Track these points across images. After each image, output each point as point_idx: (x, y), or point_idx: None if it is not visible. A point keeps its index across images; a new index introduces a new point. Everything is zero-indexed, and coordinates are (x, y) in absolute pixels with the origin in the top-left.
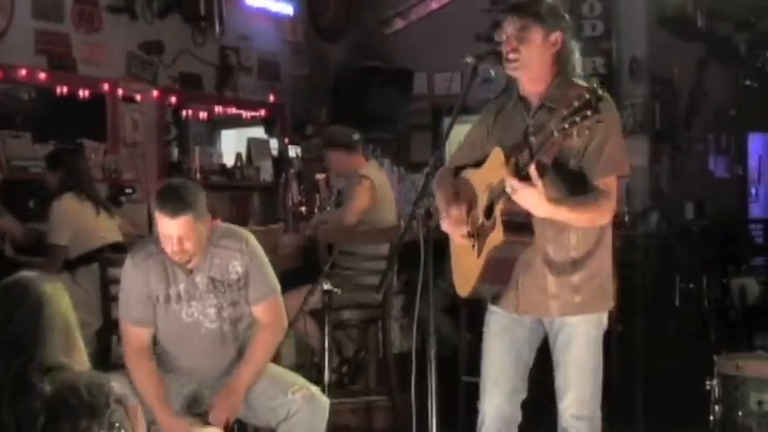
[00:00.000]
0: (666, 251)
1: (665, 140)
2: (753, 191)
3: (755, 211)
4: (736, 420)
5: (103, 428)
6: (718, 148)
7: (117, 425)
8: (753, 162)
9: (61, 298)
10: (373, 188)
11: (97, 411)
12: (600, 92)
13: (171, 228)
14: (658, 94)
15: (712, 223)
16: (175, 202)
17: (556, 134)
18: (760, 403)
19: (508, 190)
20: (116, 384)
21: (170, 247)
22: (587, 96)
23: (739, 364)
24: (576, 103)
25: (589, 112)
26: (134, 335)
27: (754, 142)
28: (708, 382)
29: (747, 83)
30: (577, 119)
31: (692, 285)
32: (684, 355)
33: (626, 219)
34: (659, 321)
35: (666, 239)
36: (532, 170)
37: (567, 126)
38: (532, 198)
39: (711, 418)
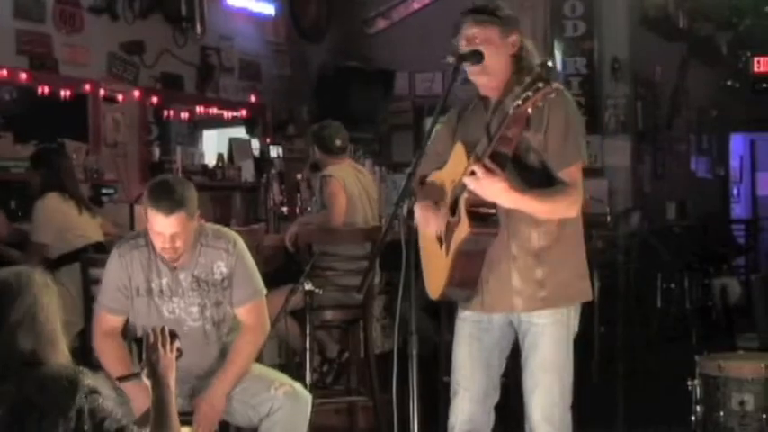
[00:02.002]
0: (648, 251)
1: (647, 140)
2: (734, 191)
3: (737, 211)
4: (717, 420)
5: (71, 422)
6: (700, 148)
7: (86, 412)
8: (734, 162)
9: (38, 291)
10: (343, 185)
11: (63, 406)
12: (550, 64)
13: (164, 225)
14: (640, 94)
15: (694, 224)
16: (170, 199)
17: (511, 112)
18: (741, 403)
19: (466, 181)
20: (89, 379)
21: (161, 244)
22: (537, 70)
23: (721, 364)
24: (528, 79)
25: (541, 84)
26: (106, 321)
27: (736, 142)
28: (689, 383)
29: (729, 83)
30: (530, 93)
31: (673, 285)
32: (666, 356)
33: (608, 219)
34: (641, 322)
35: (648, 240)
36: (487, 161)
37: (520, 102)
38: (496, 187)
39: (693, 418)
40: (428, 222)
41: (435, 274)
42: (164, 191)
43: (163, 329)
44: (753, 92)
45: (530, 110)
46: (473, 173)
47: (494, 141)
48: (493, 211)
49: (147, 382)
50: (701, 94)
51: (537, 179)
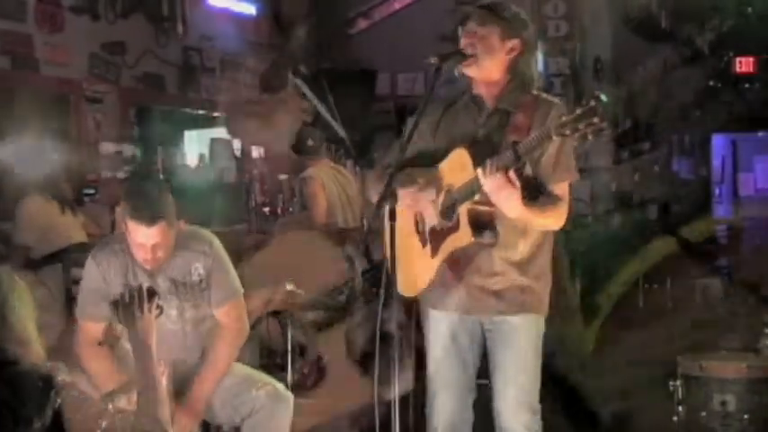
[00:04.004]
0: (630, 252)
1: (630, 141)
2: (717, 192)
3: (719, 212)
4: (699, 421)
5: (47, 420)
6: (683, 148)
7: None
8: (717, 163)
9: (7, 291)
10: (322, 185)
11: (38, 405)
12: (604, 98)
13: (146, 236)
14: (623, 94)
15: (676, 224)
16: (151, 209)
17: (554, 138)
18: (723, 404)
19: (485, 185)
20: (64, 375)
21: (142, 254)
22: (593, 104)
23: (703, 364)
24: (579, 110)
25: (596, 120)
26: (87, 329)
27: (718, 143)
28: (671, 383)
29: (711, 83)
30: (580, 125)
31: (656, 286)
32: (649, 356)
33: (589, 220)
34: (624, 322)
35: (630, 240)
36: (511, 173)
37: (568, 132)
38: (513, 199)
39: (675, 418)
40: (416, 203)
41: (414, 271)
42: (143, 200)
43: (140, 289)
44: (735, 92)
45: (575, 143)
46: (499, 179)
47: (522, 158)
48: (494, 221)
49: (128, 345)
50: (683, 94)
51: (530, 189)
